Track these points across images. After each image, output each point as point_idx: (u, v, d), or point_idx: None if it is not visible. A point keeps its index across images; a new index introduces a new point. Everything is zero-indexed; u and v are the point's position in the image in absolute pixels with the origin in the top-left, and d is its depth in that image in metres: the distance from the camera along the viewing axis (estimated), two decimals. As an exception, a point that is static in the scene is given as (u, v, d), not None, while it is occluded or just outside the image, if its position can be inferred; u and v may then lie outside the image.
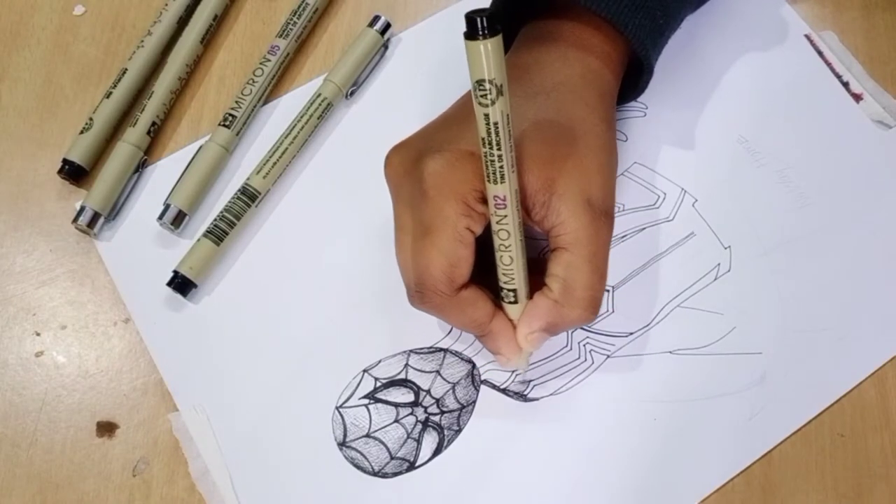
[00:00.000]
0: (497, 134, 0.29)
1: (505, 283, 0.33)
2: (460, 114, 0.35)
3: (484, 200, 0.32)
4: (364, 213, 0.41)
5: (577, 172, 0.32)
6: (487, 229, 0.33)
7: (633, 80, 0.39)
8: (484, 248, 0.33)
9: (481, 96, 0.28)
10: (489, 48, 0.27)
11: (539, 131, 0.33)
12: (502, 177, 0.30)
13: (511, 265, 0.33)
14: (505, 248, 0.32)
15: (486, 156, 0.29)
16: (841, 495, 0.37)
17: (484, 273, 0.34)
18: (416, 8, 0.46)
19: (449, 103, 0.37)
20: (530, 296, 0.34)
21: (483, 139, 0.29)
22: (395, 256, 0.34)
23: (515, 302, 0.34)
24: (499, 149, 0.29)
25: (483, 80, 0.27)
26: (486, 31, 0.26)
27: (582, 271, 0.32)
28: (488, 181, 0.30)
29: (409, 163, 0.33)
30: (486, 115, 0.28)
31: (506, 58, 0.37)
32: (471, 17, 0.26)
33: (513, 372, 0.38)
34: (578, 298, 0.33)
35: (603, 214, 0.33)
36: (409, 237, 0.33)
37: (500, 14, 0.38)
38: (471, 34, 0.26)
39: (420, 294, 0.33)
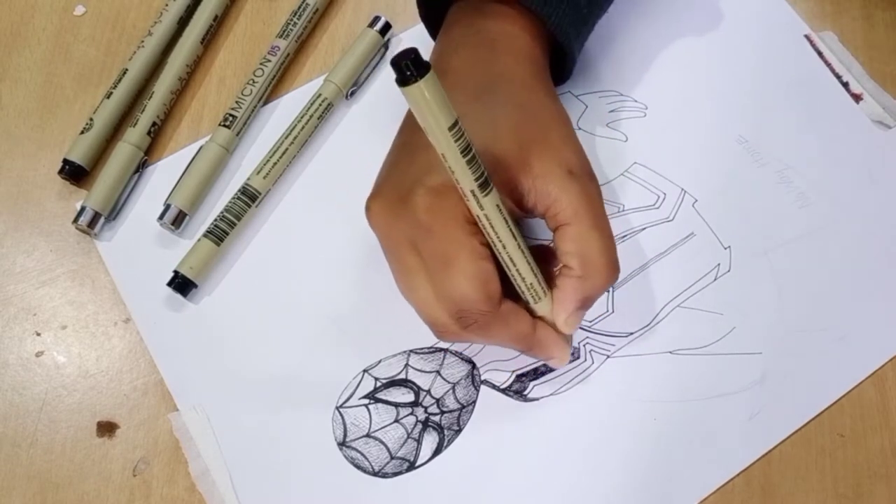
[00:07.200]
0: (450, 164, 0.29)
1: (521, 284, 0.33)
2: (419, 141, 0.34)
3: None
4: (364, 214, 0.41)
5: (547, 150, 0.33)
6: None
7: (560, 66, 0.40)
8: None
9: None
10: (425, 92, 0.26)
11: (494, 129, 0.33)
12: (472, 193, 0.30)
13: (516, 266, 0.32)
14: (503, 250, 0.32)
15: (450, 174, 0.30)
16: (841, 495, 0.37)
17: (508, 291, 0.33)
18: (416, 8, 0.46)
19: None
20: (549, 287, 0.34)
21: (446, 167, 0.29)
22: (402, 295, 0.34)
23: (540, 298, 0.34)
24: (453, 173, 0.29)
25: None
26: (415, 74, 0.26)
27: (592, 239, 0.32)
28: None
29: (395, 206, 0.33)
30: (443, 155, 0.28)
31: (436, 58, 0.38)
32: (396, 64, 0.25)
33: (513, 372, 0.38)
34: (599, 265, 0.33)
35: (587, 178, 0.33)
36: (420, 276, 0.32)
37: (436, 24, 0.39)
38: (402, 80, 0.26)
39: (463, 320, 0.32)
